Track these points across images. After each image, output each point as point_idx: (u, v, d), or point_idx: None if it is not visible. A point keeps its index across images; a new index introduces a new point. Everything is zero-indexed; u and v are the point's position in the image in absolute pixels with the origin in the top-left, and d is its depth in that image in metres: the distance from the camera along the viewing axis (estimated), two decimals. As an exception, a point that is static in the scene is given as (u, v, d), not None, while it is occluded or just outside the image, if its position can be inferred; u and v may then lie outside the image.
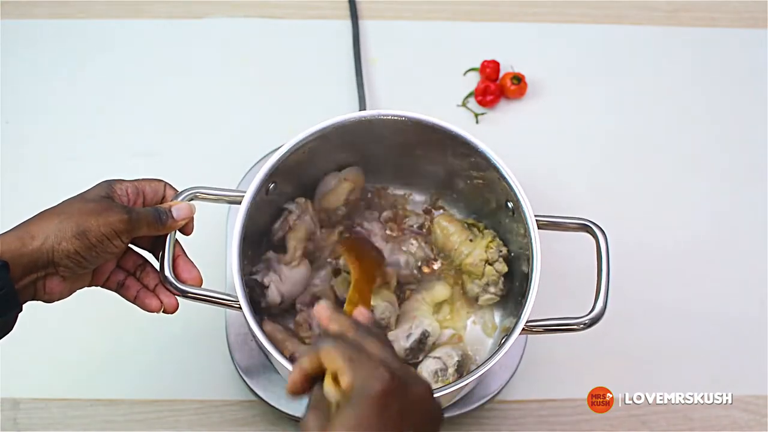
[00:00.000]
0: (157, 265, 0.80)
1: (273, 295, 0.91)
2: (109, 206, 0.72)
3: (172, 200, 0.79)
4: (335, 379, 0.58)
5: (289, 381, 0.61)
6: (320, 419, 0.58)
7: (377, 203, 1.00)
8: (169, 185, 0.80)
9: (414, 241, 0.98)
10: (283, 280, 0.92)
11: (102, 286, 0.79)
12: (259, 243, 0.94)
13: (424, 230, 0.99)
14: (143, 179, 0.79)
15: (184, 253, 0.81)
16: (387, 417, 0.56)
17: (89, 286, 0.77)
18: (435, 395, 0.62)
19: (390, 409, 0.56)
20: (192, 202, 0.80)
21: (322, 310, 0.64)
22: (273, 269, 0.92)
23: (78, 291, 0.76)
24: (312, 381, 0.60)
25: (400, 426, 0.57)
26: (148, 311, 0.79)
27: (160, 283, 0.79)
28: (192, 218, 0.80)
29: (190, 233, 0.81)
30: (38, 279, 0.71)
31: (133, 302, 0.79)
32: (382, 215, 0.99)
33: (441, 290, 0.96)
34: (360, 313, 0.67)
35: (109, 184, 0.76)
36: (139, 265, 0.80)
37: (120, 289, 0.79)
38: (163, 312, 0.79)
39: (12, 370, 0.94)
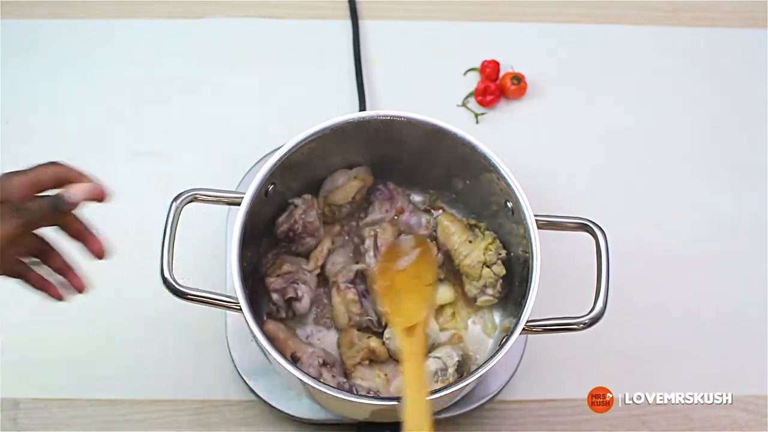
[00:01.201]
0: (61, 245, 0.77)
1: (305, 304, 0.92)
2: (1, 214, 0.70)
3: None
4: None
5: None
6: None
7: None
8: (68, 166, 0.74)
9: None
10: (312, 288, 0.93)
11: (7, 275, 0.76)
12: (259, 243, 0.94)
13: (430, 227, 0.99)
14: (38, 166, 0.73)
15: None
16: None
17: None
18: None
19: None
20: (191, 203, 0.80)
21: None
22: (301, 281, 0.93)
23: (77, 292, 0.76)
24: None
25: None
26: (56, 299, 0.78)
27: (66, 267, 0.78)
28: (99, 188, 0.74)
29: (104, 199, 0.74)
30: None
31: (40, 290, 0.78)
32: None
33: (445, 293, 0.96)
34: None
35: (0, 182, 0.72)
36: (43, 251, 0.78)
37: (24, 276, 0.77)
38: (78, 293, 0.78)
39: (12, 370, 0.94)
